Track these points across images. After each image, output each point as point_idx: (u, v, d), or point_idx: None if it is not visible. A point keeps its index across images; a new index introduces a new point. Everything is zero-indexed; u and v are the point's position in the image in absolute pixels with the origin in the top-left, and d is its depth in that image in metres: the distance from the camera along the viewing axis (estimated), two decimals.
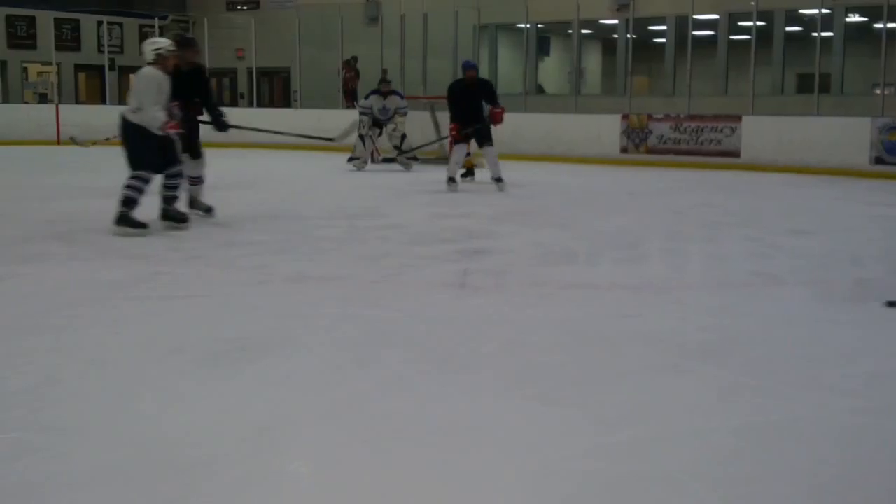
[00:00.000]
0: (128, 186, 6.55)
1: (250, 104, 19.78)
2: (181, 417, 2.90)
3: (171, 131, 6.59)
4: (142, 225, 6.51)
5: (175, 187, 6.84)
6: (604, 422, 2.90)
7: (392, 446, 2.68)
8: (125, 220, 6.50)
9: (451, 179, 9.89)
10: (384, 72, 13.83)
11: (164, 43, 6.88)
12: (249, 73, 19.83)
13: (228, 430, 2.79)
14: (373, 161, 12.78)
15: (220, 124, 7.42)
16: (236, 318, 4.23)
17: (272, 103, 22.40)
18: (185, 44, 7.31)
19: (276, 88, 23.14)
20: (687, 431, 2.82)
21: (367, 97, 13.01)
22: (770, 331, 4.11)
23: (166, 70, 6.67)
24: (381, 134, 12.94)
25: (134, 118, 6.56)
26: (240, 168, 11.97)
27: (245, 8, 23.02)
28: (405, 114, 12.86)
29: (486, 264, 5.69)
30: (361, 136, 12.76)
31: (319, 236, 6.75)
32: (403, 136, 12.79)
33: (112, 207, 6.56)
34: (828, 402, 3.13)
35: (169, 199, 6.83)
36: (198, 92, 7.33)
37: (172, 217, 6.82)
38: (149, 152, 6.54)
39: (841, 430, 2.87)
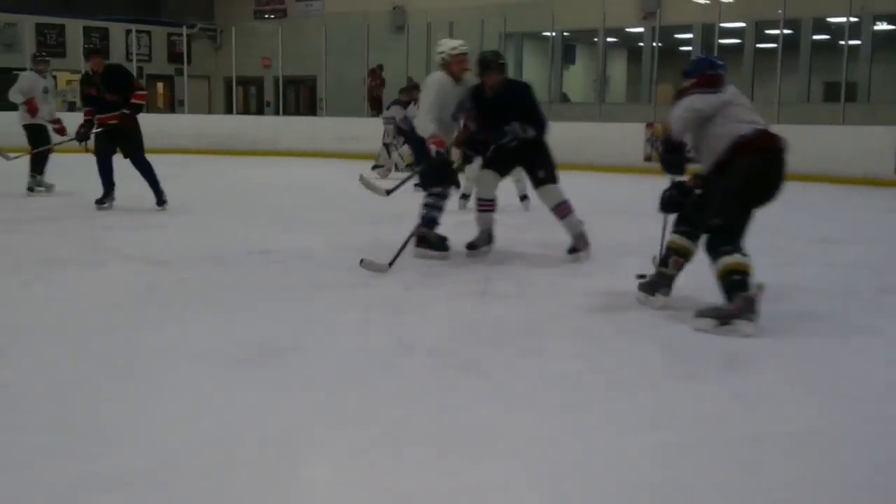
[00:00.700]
0: (426, 206, 6.14)
1: (276, 112, 19.93)
2: (204, 421, 2.93)
3: (434, 147, 5.85)
4: (443, 247, 6.08)
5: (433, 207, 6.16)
6: (624, 429, 2.90)
7: (412, 452, 2.70)
8: (425, 242, 6.07)
9: (465, 196, 8.50)
10: (409, 80, 13.90)
11: (445, 46, 6.21)
12: (276, 81, 19.97)
13: (251, 434, 2.82)
14: (396, 170, 12.87)
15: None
16: (260, 323, 4.27)
17: (298, 111, 22.56)
18: (486, 66, 6.06)
19: (301, 96, 23.29)
20: (707, 440, 2.82)
21: (388, 107, 13.13)
22: (793, 340, 4.09)
23: (454, 76, 6.06)
24: (405, 143, 12.99)
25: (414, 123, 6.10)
26: (276, 174, 12.03)
27: (272, 17, 23.20)
28: None
29: (507, 272, 5.70)
30: (386, 145, 12.88)
31: (342, 243, 6.78)
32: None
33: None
34: (850, 410, 3.12)
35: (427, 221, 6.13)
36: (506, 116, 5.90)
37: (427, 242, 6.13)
38: (434, 168, 5.97)
39: (862, 440, 2.86)
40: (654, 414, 3.06)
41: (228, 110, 20.41)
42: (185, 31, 21.09)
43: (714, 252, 4.26)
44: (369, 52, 18.28)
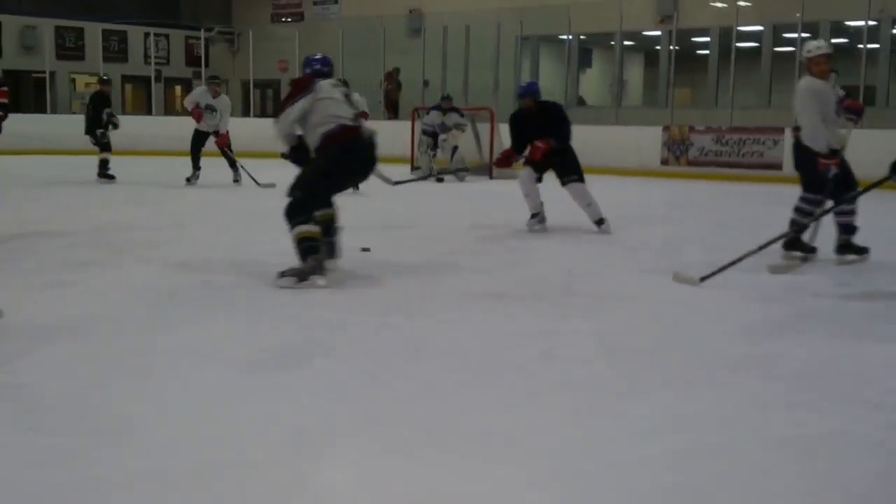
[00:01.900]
0: (797, 210, 6.30)
1: None
2: (220, 424, 2.95)
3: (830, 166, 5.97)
4: (863, 250, 6.16)
5: (847, 213, 6.23)
6: (638, 433, 2.90)
7: (426, 455, 2.71)
8: (848, 247, 6.16)
9: (534, 216, 7.80)
10: (446, 97, 14.07)
11: (810, 47, 6.20)
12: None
13: (266, 436, 2.83)
14: (431, 175, 13.01)
15: None
16: (275, 326, 4.29)
17: None
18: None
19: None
20: (721, 444, 2.82)
21: (428, 113, 13.42)
22: (810, 344, 4.08)
23: (822, 76, 6.06)
24: (436, 147, 13.26)
25: (802, 138, 6.17)
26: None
27: (290, 20, 23.29)
28: (464, 129, 13.28)
29: (522, 275, 5.71)
30: (422, 152, 13.23)
31: (355, 246, 6.80)
32: (455, 149, 13.16)
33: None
34: (866, 416, 3.10)
35: (844, 228, 6.23)
36: None
37: (851, 249, 6.21)
38: (819, 174, 6.03)
39: (877, 446, 2.84)
40: (669, 418, 3.05)
41: (245, 113, 20.49)
42: (202, 34, 21.19)
43: (291, 220, 5.14)
44: (385, 55, 18.32)
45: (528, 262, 6.19)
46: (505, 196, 10.52)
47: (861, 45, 14.07)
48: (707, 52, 18.36)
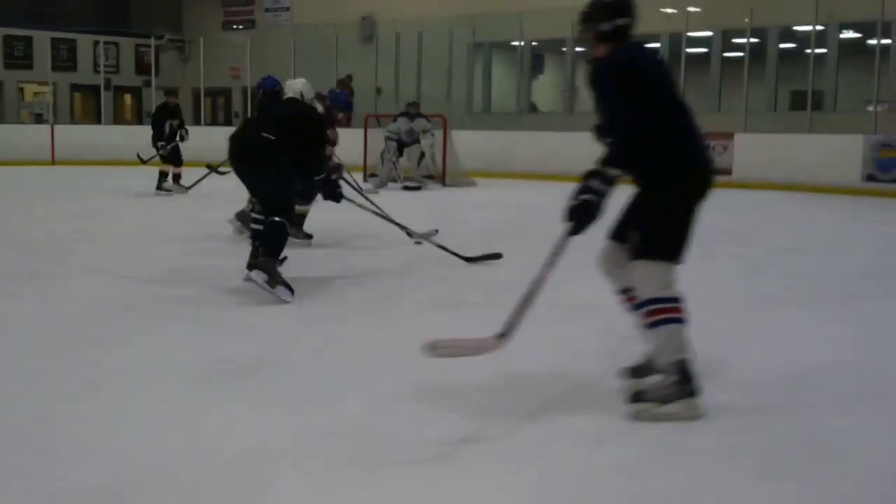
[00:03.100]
0: None
1: None
2: (173, 439, 2.90)
3: None
4: None
5: None
6: (597, 441, 2.91)
7: (384, 467, 2.68)
8: None
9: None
10: (413, 103, 14.04)
11: None
12: (244, 91, 19.90)
13: (220, 451, 2.79)
14: (394, 182, 12.94)
15: None
16: (229, 338, 4.24)
17: None
18: None
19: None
20: (679, 451, 2.84)
21: (395, 120, 13.31)
22: (762, 350, 4.12)
23: None
24: (401, 156, 13.18)
25: None
26: None
27: (241, 27, 23.12)
28: (433, 135, 13.24)
29: (481, 283, 5.70)
30: (383, 158, 13.04)
31: (313, 257, 6.75)
32: (422, 155, 13.11)
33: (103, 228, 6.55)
34: (819, 421, 3.14)
35: None
36: None
37: None
38: None
39: (831, 450, 2.88)
40: (628, 425, 3.06)
41: (197, 121, 20.28)
42: (153, 42, 20.95)
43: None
44: (338, 61, 18.26)
45: (484, 271, 6.18)
46: (463, 204, 10.55)
47: (809, 50, 14.32)
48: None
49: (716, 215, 9.93)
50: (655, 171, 3.20)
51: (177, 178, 11.61)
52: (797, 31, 16.49)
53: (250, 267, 5.10)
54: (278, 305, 4.92)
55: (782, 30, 16.66)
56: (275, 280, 4.93)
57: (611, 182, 3.18)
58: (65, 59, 22.01)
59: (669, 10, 16.69)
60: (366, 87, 18.36)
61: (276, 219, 5.13)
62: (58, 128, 18.26)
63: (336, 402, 3.31)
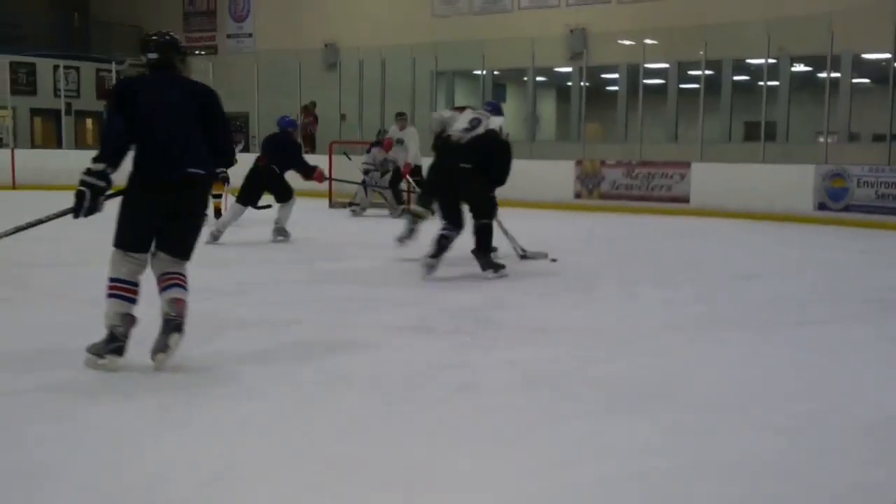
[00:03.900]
0: None
1: None
2: (136, 465, 2.91)
3: None
4: None
5: None
6: (552, 463, 2.98)
7: (349, 491, 2.73)
8: None
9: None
10: (384, 131, 14.10)
11: None
12: None
13: (184, 477, 2.80)
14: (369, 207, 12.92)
15: None
16: (193, 361, 4.24)
17: None
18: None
19: (234, 133, 23.18)
20: (632, 472, 2.91)
21: (368, 151, 13.19)
22: (716, 372, 4.25)
23: None
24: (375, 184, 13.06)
25: None
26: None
27: (203, 53, 23.10)
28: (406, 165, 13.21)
29: (444, 305, 5.79)
30: (364, 185, 12.91)
31: (279, 279, 6.80)
32: (397, 181, 13.01)
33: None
34: (770, 442, 3.24)
35: None
36: None
37: None
38: None
39: (782, 470, 2.98)
40: (582, 447, 3.15)
41: None
42: (113, 66, 20.84)
43: None
44: (302, 88, 18.34)
45: (446, 295, 6.28)
46: (424, 230, 10.62)
47: (761, 83, 14.69)
48: (616, 88, 18.89)
49: (674, 241, 10.21)
50: (133, 171, 4.05)
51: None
52: (750, 64, 16.89)
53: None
54: (243, 329, 4.95)
55: (736, 62, 17.05)
56: (496, 267, 6.91)
57: (96, 174, 3.94)
58: (24, 82, 21.82)
59: (627, 42, 17.02)
60: (330, 114, 18.44)
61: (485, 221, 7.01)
62: (18, 152, 18.11)
63: (301, 426, 3.35)
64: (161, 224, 4.04)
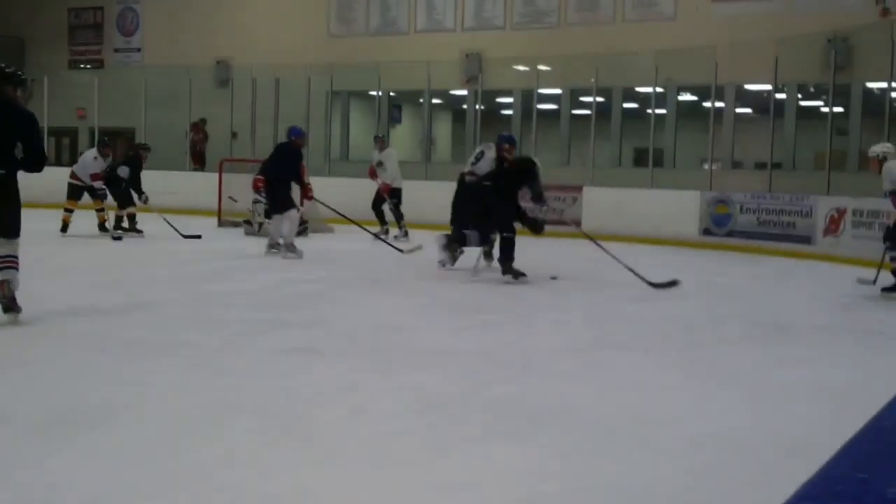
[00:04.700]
0: None
1: None
2: (11, 491, 2.76)
3: None
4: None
5: None
6: (445, 488, 2.93)
7: None
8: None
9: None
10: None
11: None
12: (91, 132, 19.25)
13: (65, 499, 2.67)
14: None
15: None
16: (69, 385, 4.05)
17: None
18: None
19: (119, 149, 22.46)
20: (525, 496, 2.88)
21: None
22: (607, 395, 4.26)
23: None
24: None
25: None
26: (92, 227, 11.51)
27: (88, 66, 22.37)
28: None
29: (334, 328, 5.67)
30: (254, 210, 12.59)
31: (162, 301, 6.56)
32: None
33: None
34: (658, 463, 3.26)
35: None
36: None
37: None
38: None
39: (670, 491, 2.99)
40: (475, 472, 3.10)
41: None
42: None
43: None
44: (192, 104, 17.94)
45: (337, 317, 6.16)
46: (323, 251, 10.49)
47: (650, 110, 15.09)
48: (511, 112, 19.12)
49: (566, 264, 10.28)
50: None
51: (120, 219, 11.42)
52: (639, 92, 17.36)
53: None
54: (123, 351, 4.75)
55: (626, 90, 17.49)
56: (516, 274, 7.96)
57: None
58: None
59: (521, 68, 17.27)
60: (221, 132, 18.09)
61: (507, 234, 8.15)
62: None
63: (183, 452, 3.21)
64: None
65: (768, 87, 14.17)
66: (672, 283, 8.01)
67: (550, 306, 6.99)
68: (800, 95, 16.02)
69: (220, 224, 13.52)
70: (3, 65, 5.41)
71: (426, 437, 3.50)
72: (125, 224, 11.37)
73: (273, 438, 3.40)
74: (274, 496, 2.80)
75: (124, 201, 11.43)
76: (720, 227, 12.75)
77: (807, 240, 11.68)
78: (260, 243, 11.32)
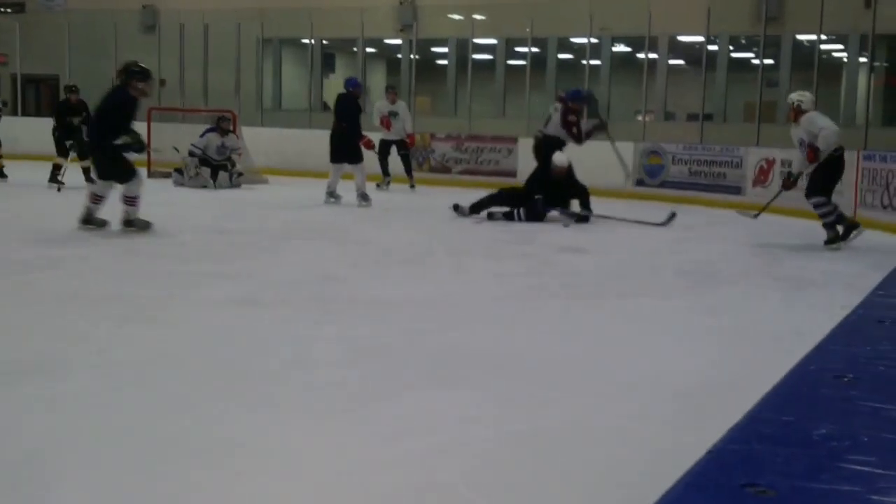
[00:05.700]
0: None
1: (14, 113, 18.52)
2: None
3: None
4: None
5: None
6: (383, 435, 2.94)
7: (172, 469, 2.61)
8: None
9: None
10: (225, 118, 13.23)
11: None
12: (13, 79, 18.62)
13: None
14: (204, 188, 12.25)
15: None
16: (1, 339, 3.96)
17: (39, 112, 21.08)
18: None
19: (43, 96, 21.80)
20: (463, 441, 2.91)
21: (202, 135, 12.51)
22: (545, 343, 4.32)
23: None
24: (214, 176, 12.29)
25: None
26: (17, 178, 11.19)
27: (9, 11, 21.56)
28: (241, 154, 12.68)
29: (271, 279, 5.64)
30: (185, 174, 12.29)
31: (93, 254, 6.43)
32: (240, 175, 12.54)
33: None
34: (594, 407, 3.32)
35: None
36: None
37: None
38: None
39: (605, 436, 3.06)
40: (413, 418, 3.12)
41: None
42: None
43: None
44: (118, 51, 17.44)
45: (275, 268, 6.12)
46: (257, 202, 10.36)
47: (584, 62, 15.14)
48: (446, 62, 19.02)
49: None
50: None
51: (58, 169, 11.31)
52: (574, 43, 17.41)
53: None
54: (57, 305, 4.65)
55: (560, 40, 17.51)
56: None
57: None
58: None
59: (456, 17, 17.16)
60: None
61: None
62: None
63: (122, 402, 3.18)
64: None
65: (701, 38, 14.31)
66: (672, 217, 9.12)
67: (485, 256, 7.04)
68: (731, 47, 16.25)
69: (150, 175, 13.23)
70: None
71: (364, 386, 3.51)
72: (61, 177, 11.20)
73: (209, 389, 3.38)
74: (211, 447, 2.79)
75: (58, 151, 11.36)
76: (653, 178, 12.93)
77: (737, 190, 11.92)
78: (190, 193, 11.16)
